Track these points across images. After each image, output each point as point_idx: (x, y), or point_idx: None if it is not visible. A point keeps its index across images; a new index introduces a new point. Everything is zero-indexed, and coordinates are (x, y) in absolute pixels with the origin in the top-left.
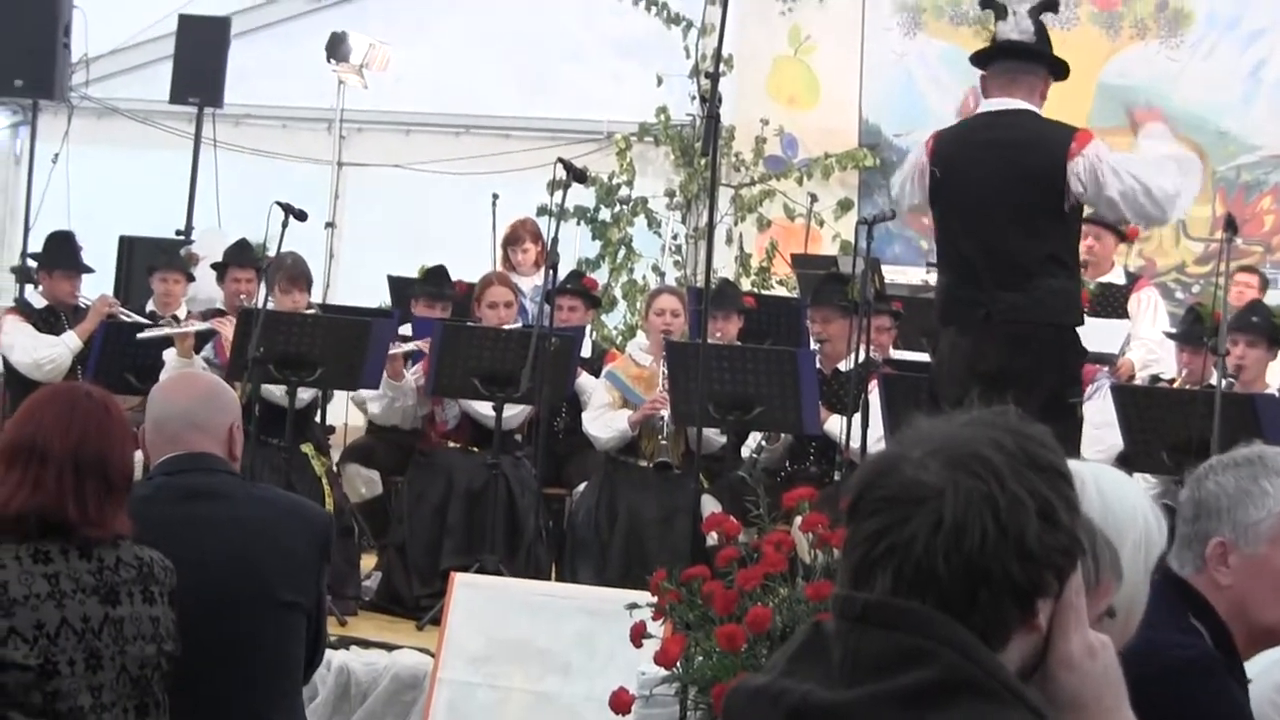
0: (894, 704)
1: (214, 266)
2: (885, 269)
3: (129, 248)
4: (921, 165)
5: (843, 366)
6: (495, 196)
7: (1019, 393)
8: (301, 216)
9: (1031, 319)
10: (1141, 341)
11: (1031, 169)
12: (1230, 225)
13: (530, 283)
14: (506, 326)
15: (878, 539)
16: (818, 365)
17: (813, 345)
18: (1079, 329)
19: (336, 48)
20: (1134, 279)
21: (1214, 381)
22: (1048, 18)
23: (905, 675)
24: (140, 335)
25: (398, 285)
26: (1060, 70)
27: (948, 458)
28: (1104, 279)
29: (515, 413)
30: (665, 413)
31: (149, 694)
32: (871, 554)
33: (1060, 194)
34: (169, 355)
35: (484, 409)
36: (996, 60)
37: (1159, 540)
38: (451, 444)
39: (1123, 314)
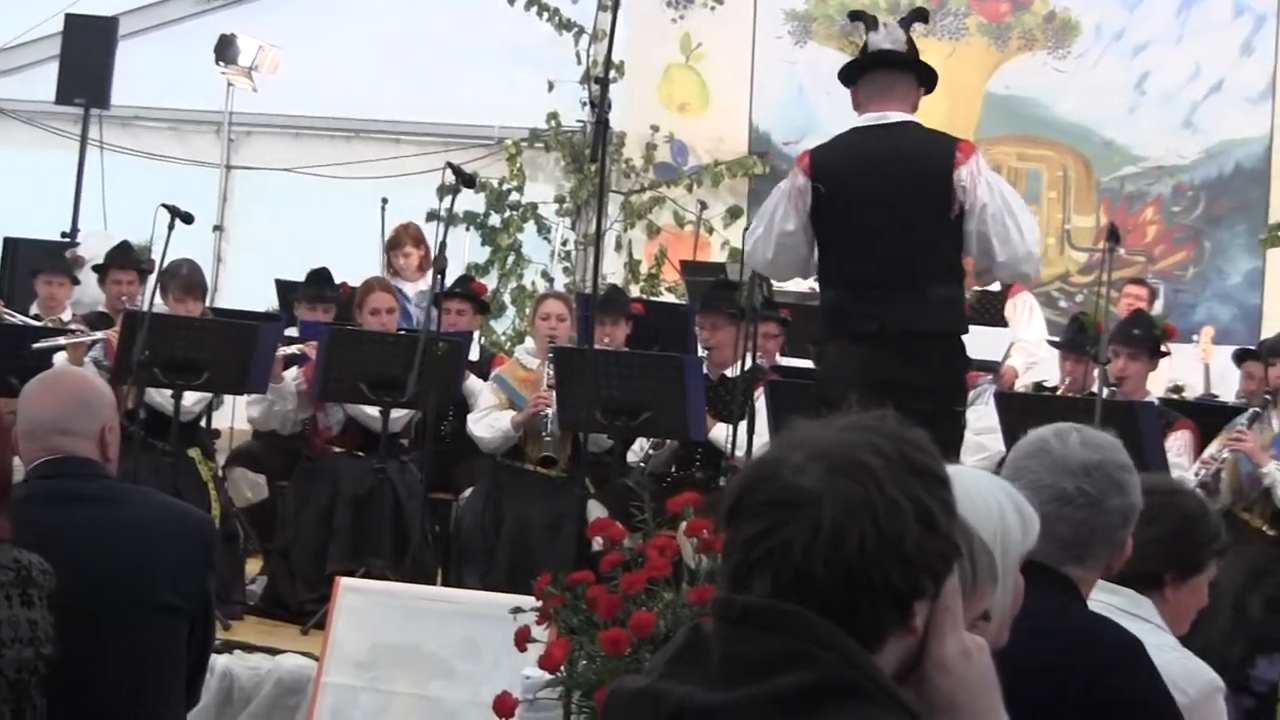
0: (772, 706)
1: (95, 269)
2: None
3: (13, 250)
4: (799, 185)
5: (730, 373)
6: (384, 201)
7: (910, 402)
8: (188, 219)
9: (924, 329)
10: (1021, 345)
11: (919, 179)
12: (1113, 235)
13: (414, 287)
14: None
15: (757, 542)
16: (705, 372)
17: (700, 352)
18: (965, 336)
19: (225, 50)
20: (1009, 286)
21: (1096, 389)
22: (935, 30)
23: (783, 677)
24: (35, 345)
25: (285, 289)
26: (929, 82)
27: (827, 463)
28: (979, 287)
29: (401, 416)
30: (549, 412)
31: (25, 698)
32: (751, 557)
33: (947, 203)
34: (59, 359)
35: (370, 413)
36: (869, 71)
37: (1020, 539)
38: (337, 449)
39: (1000, 321)
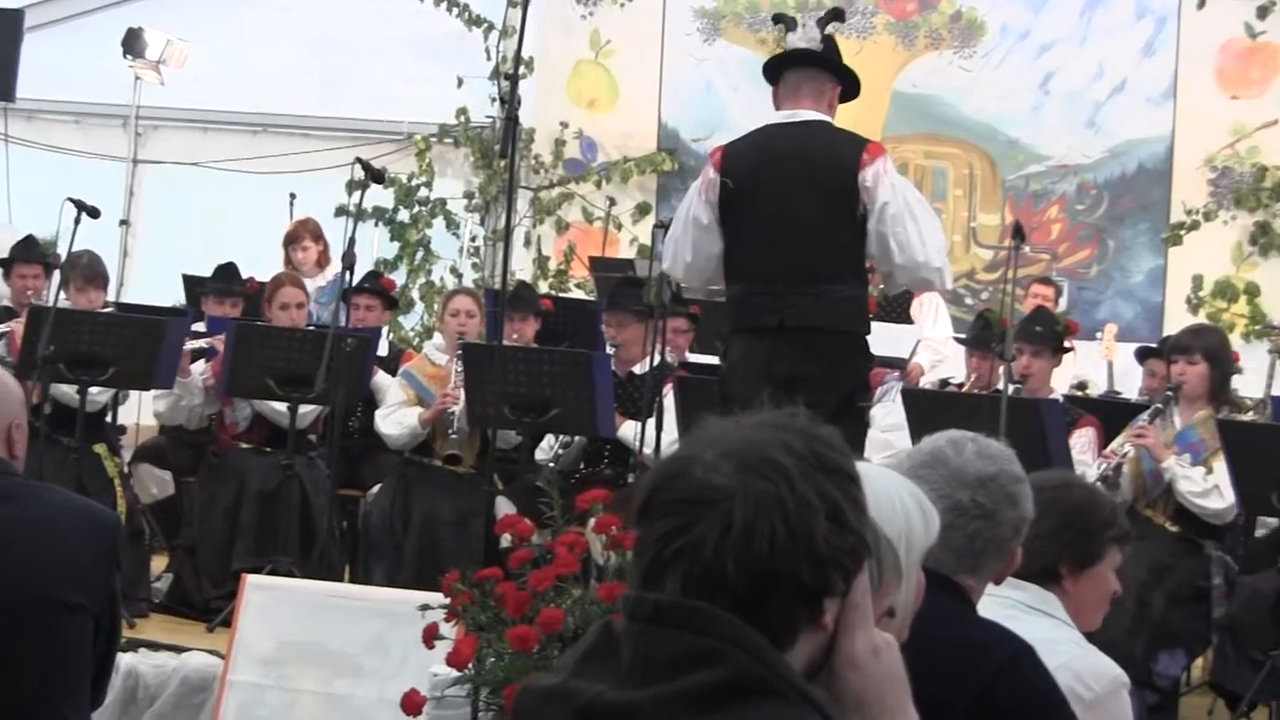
0: (683, 704)
1: (0, 263)
2: None
3: None
4: (709, 179)
5: (638, 370)
6: (293, 196)
7: (811, 397)
8: (94, 213)
9: (825, 326)
10: (927, 343)
11: (825, 178)
12: (1019, 233)
13: (313, 282)
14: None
15: (668, 540)
16: (613, 368)
17: (608, 349)
18: (868, 335)
19: (133, 43)
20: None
21: (1001, 386)
22: (844, 28)
23: (694, 676)
24: None
25: (192, 284)
26: (850, 85)
27: (738, 460)
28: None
29: (308, 412)
30: (456, 409)
31: None
32: (662, 555)
33: (851, 202)
34: None
35: (277, 409)
36: (786, 69)
37: (922, 536)
38: (244, 445)
39: (906, 319)
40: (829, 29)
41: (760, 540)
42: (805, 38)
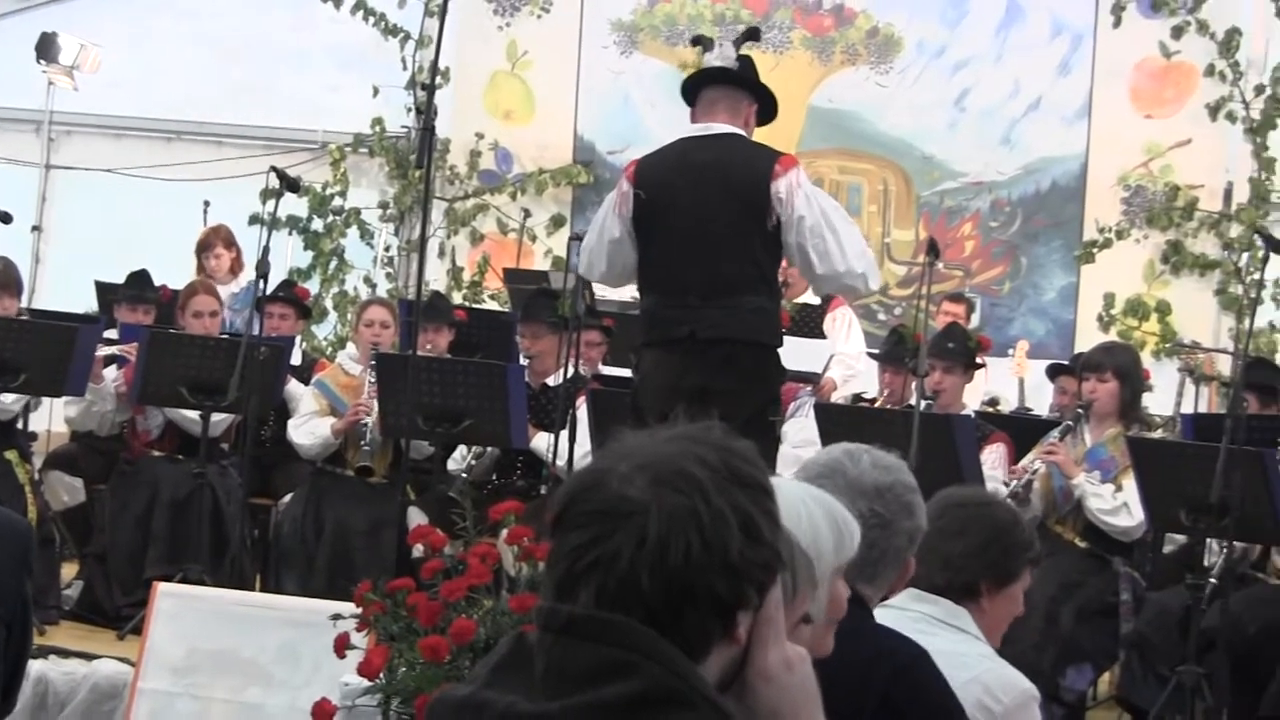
0: (596, 716)
1: None
2: (596, 285)
3: None
4: (624, 192)
5: (552, 381)
6: (207, 204)
7: (722, 410)
8: (6, 219)
9: (735, 337)
10: (840, 358)
11: (737, 189)
12: (933, 249)
13: (225, 290)
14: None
15: (583, 553)
16: (527, 380)
17: (522, 360)
18: (780, 349)
19: (46, 48)
20: (829, 299)
21: (914, 401)
22: (761, 44)
23: (608, 688)
24: None
25: (105, 291)
26: (767, 105)
27: (654, 473)
28: (801, 299)
29: (221, 420)
30: (369, 419)
31: None
32: (576, 567)
33: (763, 214)
34: None
35: (190, 417)
36: (703, 87)
37: (832, 548)
38: (156, 452)
39: (819, 334)
40: (744, 48)
41: (675, 553)
42: (721, 57)
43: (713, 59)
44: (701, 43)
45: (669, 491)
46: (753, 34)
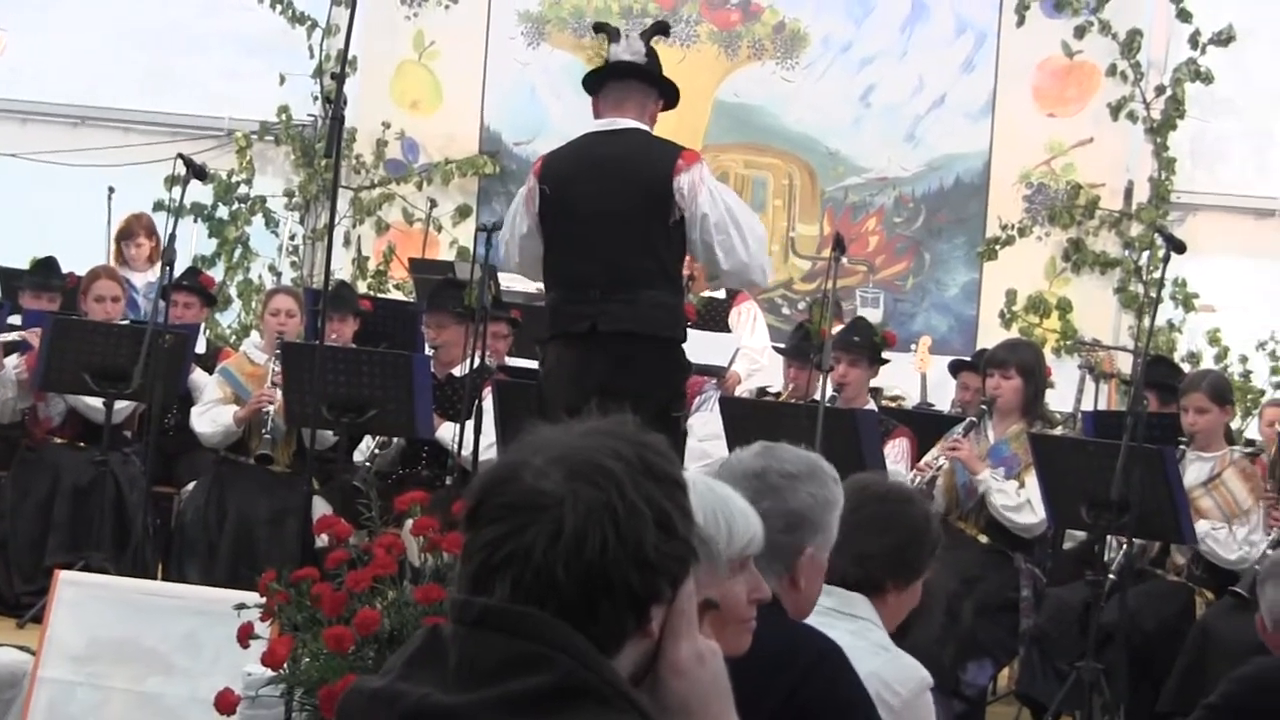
0: (510, 709)
1: None
2: (503, 276)
3: None
4: (530, 187)
5: (457, 372)
6: (111, 190)
7: (625, 403)
8: None
9: (636, 331)
10: (745, 352)
11: (640, 184)
12: (839, 245)
13: (143, 278)
14: (115, 321)
15: (498, 546)
16: (432, 370)
17: (428, 350)
18: (683, 343)
19: None
20: (734, 293)
21: (818, 396)
22: (666, 38)
23: (522, 681)
24: None
25: (8, 277)
26: (670, 96)
27: (568, 467)
28: (706, 293)
29: (124, 408)
30: (271, 408)
31: None
32: (491, 561)
33: (666, 210)
34: None
35: (93, 404)
36: (608, 81)
37: (725, 542)
38: (58, 439)
39: (725, 327)
40: (652, 42)
41: (591, 547)
42: (629, 50)
43: (620, 52)
44: (605, 31)
45: (584, 485)
46: (662, 28)
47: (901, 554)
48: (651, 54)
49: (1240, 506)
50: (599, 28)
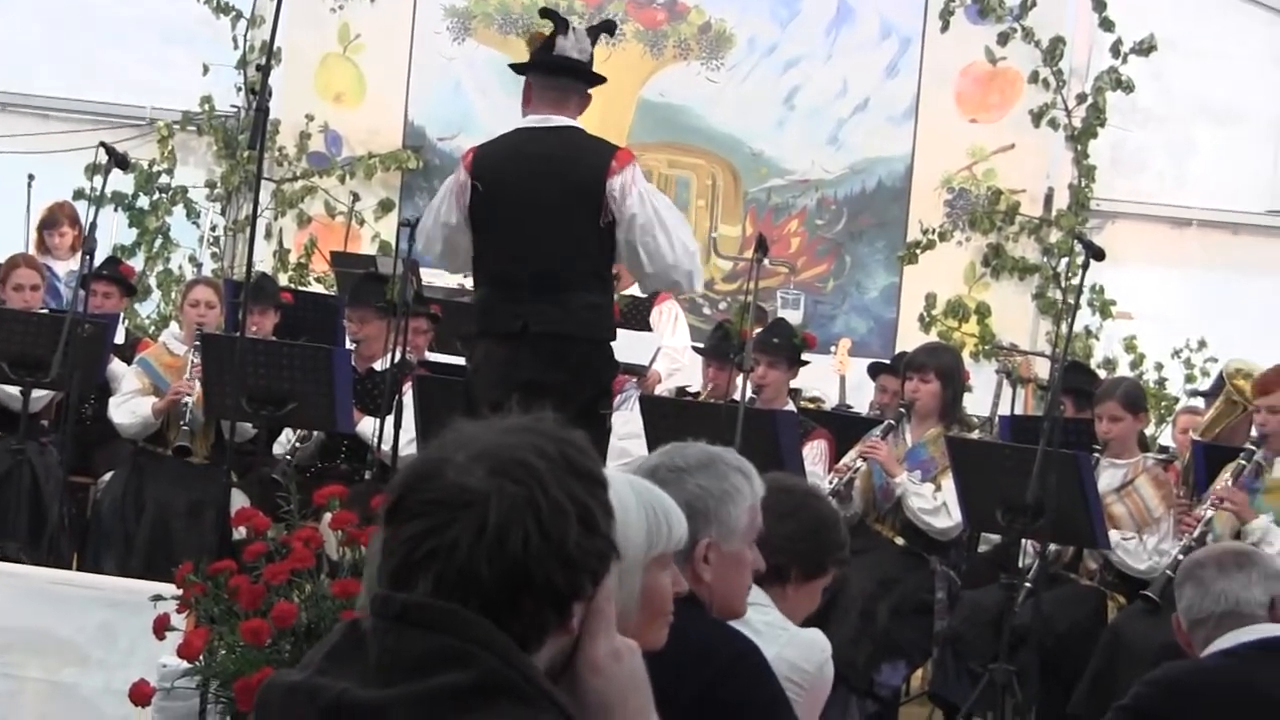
0: (429, 704)
1: None
2: (424, 272)
3: None
4: (461, 181)
5: (378, 366)
6: (31, 177)
7: (553, 403)
8: None
9: (568, 332)
10: (666, 351)
11: (574, 184)
12: (762, 246)
13: (65, 267)
14: (34, 309)
15: (420, 542)
16: (353, 364)
17: (349, 344)
18: (613, 343)
19: None
20: (656, 292)
21: (738, 396)
22: (611, 37)
23: (441, 676)
24: None
25: None
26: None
27: (491, 463)
28: (629, 292)
29: (42, 397)
30: (190, 399)
31: None
32: (414, 556)
33: (598, 210)
34: None
35: (10, 393)
36: (550, 74)
37: (640, 538)
38: None
39: (646, 326)
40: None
41: (513, 543)
42: (577, 48)
43: (568, 46)
44: (552, 17)
45: (507, 481)
46: (608, 27)
47: (803, 541)
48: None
49: (1152, 514)
50: (547, 14)
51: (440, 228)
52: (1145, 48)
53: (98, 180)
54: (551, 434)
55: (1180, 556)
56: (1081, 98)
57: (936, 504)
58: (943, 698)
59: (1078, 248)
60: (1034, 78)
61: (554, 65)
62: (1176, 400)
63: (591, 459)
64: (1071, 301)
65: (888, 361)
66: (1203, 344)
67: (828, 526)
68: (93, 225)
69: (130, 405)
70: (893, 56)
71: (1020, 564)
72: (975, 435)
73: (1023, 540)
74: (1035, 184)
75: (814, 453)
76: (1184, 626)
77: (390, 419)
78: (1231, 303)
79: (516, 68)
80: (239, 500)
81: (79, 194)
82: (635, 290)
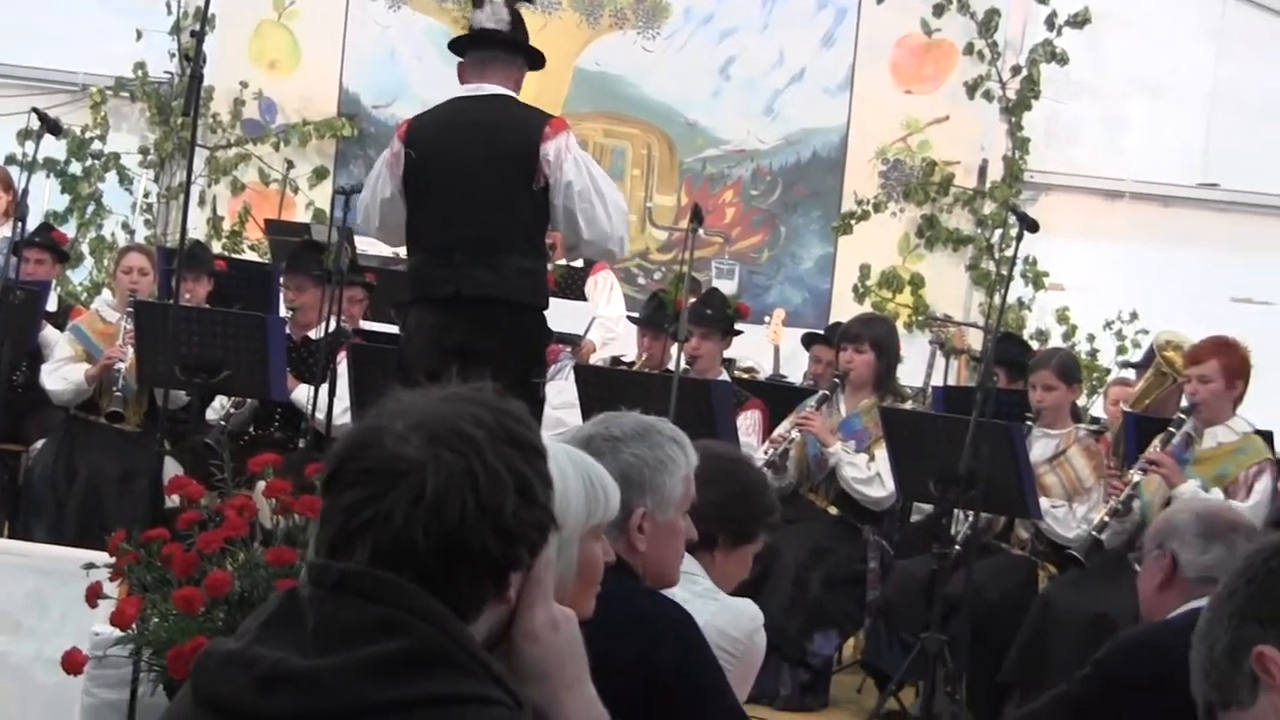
0: (366, 673)
1: None
2: (359, 240)
3: None
4: (395, 151)
5: (313, 335)
6: None
7: (486, 370)
8: None
9: (500, 296)
10: (600, 321)
11: (506, 150)
12: (697, 216)
13: None
14: None
15: (357, 510)
16: (288, 332)
17: (284, 312)
18: (546, 310)
19: None
20: (591, 262)
21: (672, 366)
22: (529, 6)
23: (378, 645)
24: None
25: None
26: (536, 60)
27: (429, 432)
28: (564, 262)
29: None
30: (122, 366)
31: None
32: (350, 525)
33: (531, 176)
34: None
35: None
36: (473, 48)
37: (583, 509)
38: None
39: (581, 296)
40: (518, 6)
41: (451, 512)
42: (494, 17)
43: (484, 18)
44: None
45: (445, 451)
46: None
47: (727, 506)
48: (517, 20)
49: (1083, 484)
50: None
51: (378, 200)
52: (1080, 20)
53: (30, 146)
54: (490, 404)
55: (1107, 519)
56: (1016, 70)
57: (870, 474)
58: (875, 667)
59: (1011, 219)
60: (969, 49)
61: (471, 38)
62: (1108, 372)
63: (531, 429)
64: (1005, 273)
65: (821, 332)
66: (1134, 316)
67: (755, 492)
68: (25, 191)
69: (62, 372)
70: (829, 27)
71: (952, 534)
72: (909, 406)
73: (955, 510)
74: (969, 156)
75: (748, 423)
76: (1187, 575)
77: (325, 387)
78: (1162, 275)
79: (451, 49)
80: (172, 468)
81: (10, 159)
82: (570, 261)
